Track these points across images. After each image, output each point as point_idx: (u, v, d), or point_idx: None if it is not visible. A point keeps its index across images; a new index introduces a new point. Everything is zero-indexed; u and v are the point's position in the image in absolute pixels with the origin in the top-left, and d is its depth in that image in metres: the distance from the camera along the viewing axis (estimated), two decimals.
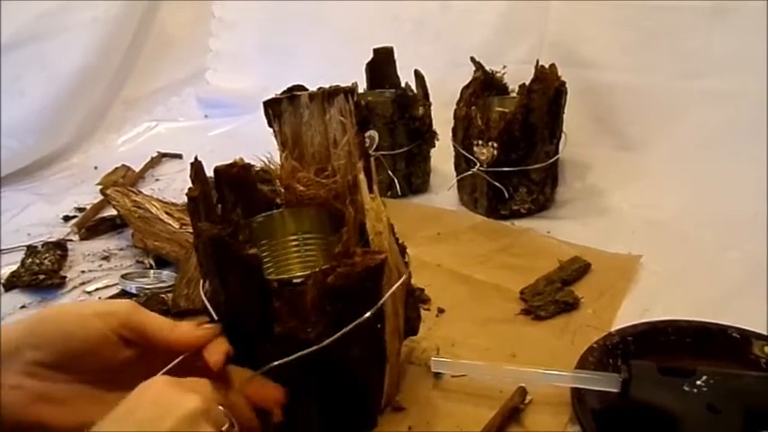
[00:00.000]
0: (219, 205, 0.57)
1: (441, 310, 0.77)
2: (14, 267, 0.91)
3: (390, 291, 0.55)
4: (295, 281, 0.52)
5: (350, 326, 0.51)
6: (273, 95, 0.62)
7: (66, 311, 0.47)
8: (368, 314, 0.52)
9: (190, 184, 0.55)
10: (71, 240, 1.02)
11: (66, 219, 1.11)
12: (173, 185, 1.24)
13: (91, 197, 1.16)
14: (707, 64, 1.07)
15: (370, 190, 0.57)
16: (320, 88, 0.62)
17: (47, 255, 0.94)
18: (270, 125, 0.62)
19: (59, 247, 0.97)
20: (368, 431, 0.59)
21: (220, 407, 0.44)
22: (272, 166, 0.60)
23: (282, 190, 0.61)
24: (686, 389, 0.55)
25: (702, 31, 1.07)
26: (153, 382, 0.42)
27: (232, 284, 0.50)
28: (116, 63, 1.46)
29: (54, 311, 0.47)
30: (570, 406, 0.60)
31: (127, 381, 0.43)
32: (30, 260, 0.93)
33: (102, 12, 1.37)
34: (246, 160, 0.60)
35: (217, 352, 0.47)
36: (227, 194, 0.58)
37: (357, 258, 0.52)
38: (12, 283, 0.88)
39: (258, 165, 0.61)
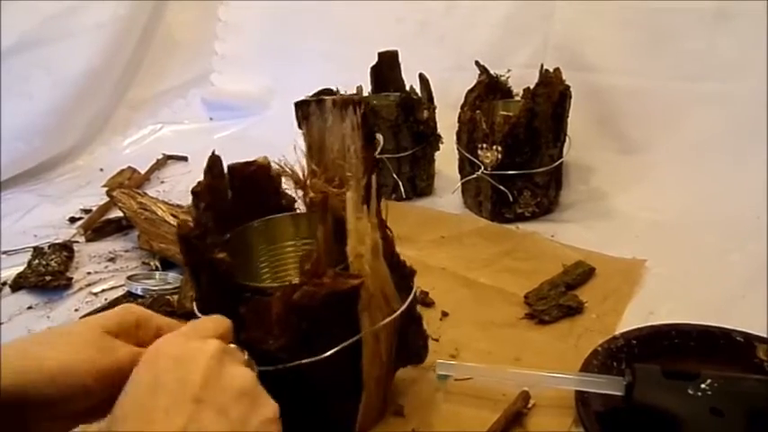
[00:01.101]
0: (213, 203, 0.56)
1: (444, 314, 0.77)
2: (21, 269, 0.92)
3: (383, 322, 0.53)
4: (269, 290, 0.51)
5: (310, 359, 0.50)
6: (304, 97, 0.62)
7: (43, 358, 0.42)
8: (329, 353, 0.50)
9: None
10: (77, 242, 1.02)
11: (73, 220, 1.12)
12: (178, 187, 1.24)
13: (97, 199, 1.17)
14: (710, 66, 1.07)
15: (375, 204, 0.55)
16: (339, 95, 0.61)
17: (53, 256, 0.94)
18: (299, 126, 0.61)
19: (66, 248, 0.98)
20: None
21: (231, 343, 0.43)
22: (287, 169, 0.59)
23: (300, 193, 0.59)
24: (690, 392, 0.55)
25: (705, 34, 1.07)
26: (162, 341, 0.40)
27: (203, 285, 0.51)
28: (122, 66, 1.47)
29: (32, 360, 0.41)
30: (573, 409, 0.60)
31: None
32: (36, 261, 0.93)
33: (107, 15, 1.37)
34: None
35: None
36: (240, 193, 0.58)
37: (326, 279, 0.50)
38: (19, 284, 0.89)
39: (276, 165, 0.60)
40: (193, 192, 0.55)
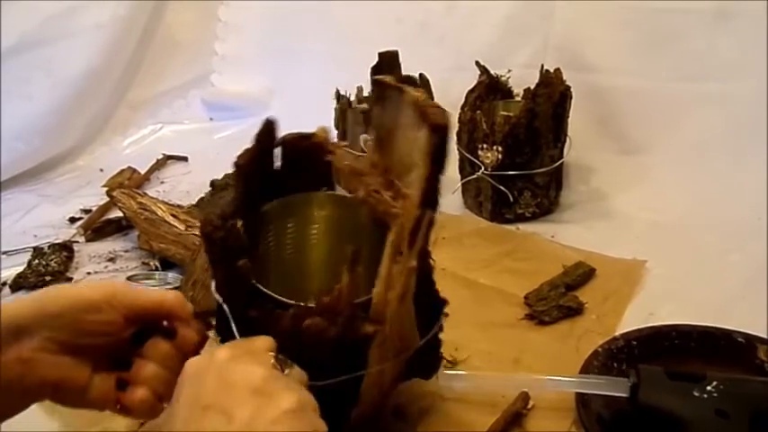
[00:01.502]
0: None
1: (444, 314, 0.77)
2: (21, 269, 0.92)
3: (394, 360, 0.51)
4: (284, 303, 0.49)
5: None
6: (386, 78, 0.55)
7: (65, 288, 0.52)
8: (327, 382, 0.48)
9: (195, 187, 0.54)
10: (77, 242, 1.02)
11: (73, 220, 1.11)
12: (178, 188, 1.24)
13: (97, 199, 1.16)
14: (710, 67, 1.07)
15: (421, 244, 0.50)
16: (411, 80, 0.56)
17: (53, 256, 0.94)
18: (375, 103, 0.56)
19: (65, 248, 0.98)
20: None
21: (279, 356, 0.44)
22: (346, 151, 0.57)
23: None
24: (696, 394, 0.55)
25: (706, 34, 1.07)
26: (189, 361, 0.42)
27: (220, 279, 0.51)
28: (122, 66, 1.47)
29: (55, 289, 0.50)
30: (573, 411, 0.60)
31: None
32: (36, 261, 0.93)
33: (107, 15, 1.37)
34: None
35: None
36: (291, 165, 0.55)
37: (341, 319, 0.47)
38: (18, 284, 0.89)
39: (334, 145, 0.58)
40: (236, 163, 0.52)
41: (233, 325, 0.50)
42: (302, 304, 0.49)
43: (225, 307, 0.51)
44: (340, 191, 0.61)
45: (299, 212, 0.61)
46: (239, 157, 0.53)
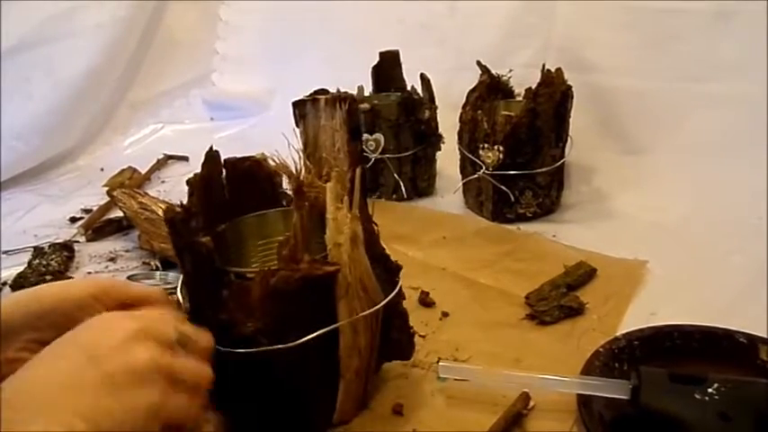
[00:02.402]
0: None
1: (445, 314, 0.77)
2: (21, 268, 0.92)
3: (362, 314, 0.54)
4: (249, 275, 0.53)
5: (286, 345, 0.51)
6: (302, 97, 0.64)
7: (50, 286, 0.50)
8: (303, 339, 0.52)
9: None
10: (77, 242, 1.02)
11: (73, 220, 1.11)
12: (178, 187, 1.24)
13: (97, 199, 1.16)
14: (711, 67, 1.07)
15: (358, 197, 0.56)
16: (328, 93, 0.64)
17: (53, 256, 0.94)
18: (296, 125, 0.64)
19: (66, 248, 0.97)
20: None
21: (172, 326, 0.46)
22: (281, 164, 0.61)
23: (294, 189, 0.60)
24: (698, 396, 0.54)
25: (707, 35, 1.07)
26: (106, 313, 0.45)
27: (188, 268, 0.53)
28: (123, 65, 1.47)
29: (40, 289, 0.50)
30: (573, 411, 0.60)
31: None
32: (36, 261, 0.93)
33: (108, 15, 1.37)
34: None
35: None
36: (235, 187, 0.60)
37: (302, 265, 0.51)
38: (19, 284, 0.89)
39: (272, 161, 0.63)
40: (188, 182, 0.57)
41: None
42: (266, 268, 0.52)
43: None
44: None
45: (255, 232, 0.64)
46: (191, 177, 0.58)
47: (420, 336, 0.70)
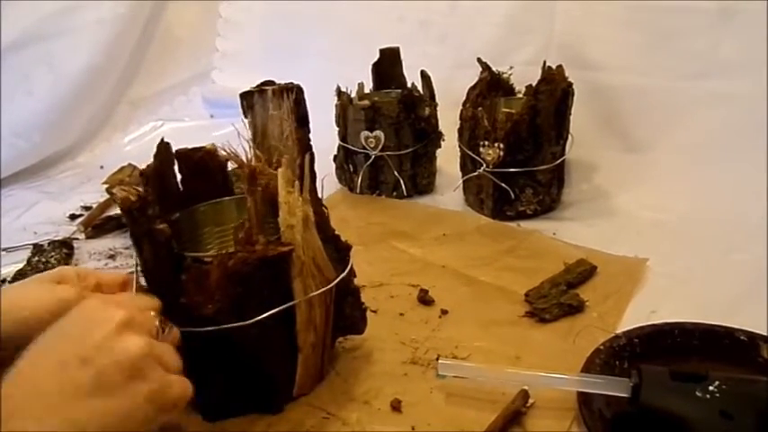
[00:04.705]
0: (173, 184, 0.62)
1: (444, 312, 0.77)
2: (21, 266, 0.92)
3: (317, 291, 0.58)
4: (206, 259, 0.55)
5: (245, 322, 0.55)
6: (249, 88, 0.66)
7: (13, 304, 0.49)
8: (262, 316, 0.55)
9: None
10: (77, 239, 1.02)
11: (73, 217, 1.11)
12: None
13: (97, 196, 1.16)
14: (713, 65, 1.07)
15: (308, 182, 0.60)
16: (276, 84, 0.67)
17: (53, 253, 0.94)
18: (244, 116, 0.66)
19: (65, 245, 0.97)
20: (272, 415, 0.61)
21: (151, 312, 0.48)
22: (232, 155, 0.63)
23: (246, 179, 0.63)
24: (698, 394, 0.54)
25: (708, 33, 1.07)
26: (87, 300, 0.46)
27: (146, 255, 0.55)
28: (122, 63, 1.47)
29: (4, 307, 0.49)
30: (573, 409, 0.60)
31: None
32: (36, 258, 0.93)
33: (108, 12, 1.37)
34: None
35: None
36: (188, 178, 0.63)
37: (258, 247, 0.54)
38: (18, 281, 0.88)
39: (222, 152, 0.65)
40: (141, 173, 0.59)
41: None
42: (224, 251, 0.55)
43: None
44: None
45: (210, 219, 0.66)
46: (144, 167, 0.60)
47: (371, 311, 0.74)
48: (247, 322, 0.55)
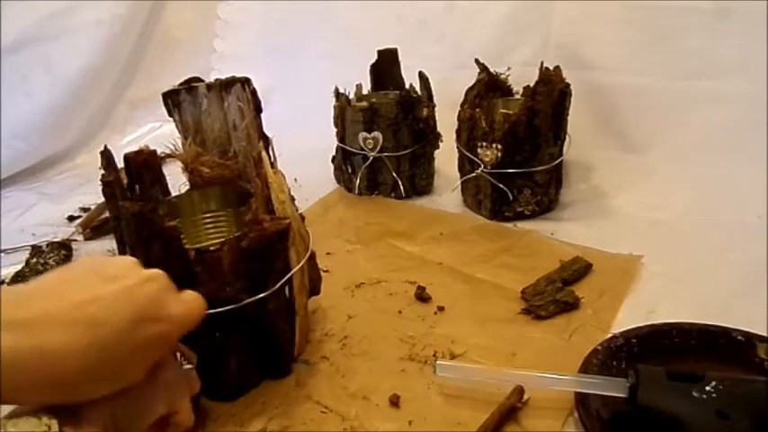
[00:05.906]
0: (137, 186, 0.64)
1: (440, 308, 0.77)
2: (19, 267, 0.92)
3: (306, 256, 0.64)
4: (211, 248, 0.59)
5: (264, 294, 0.59)
6: (173, 87, 0.69)
7: None
8: (277, 286, 0.61)
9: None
10: (76, 240, 1.02)
11: (71, 219, 1.11)
12: (177, 186, 1.24)
13: (96, 197, 1.16)
14: (711, 65, 1.07)
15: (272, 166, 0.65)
16: (216, 79, 0.69)
17: (51, 255, 0.94)
18: (170, 115, 0.69)
19: (64, 247, 0.97)
20: (282, 377, 0.66)
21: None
22: (176, 153, 0.67)
23: (187, 174, 0.68)
24: (695, 394, 0.54)
25: (706, 32, 1.07)
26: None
27: (155, 255, 0.56)
28: (121, 64, 1.47)
29: None
30: (569, 407, 0.60)
31: None
32: (34, 260, 0.93)
33: (106, 13, 1.37)
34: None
35: None
36: (144, 177, 0.65)
37: (266, 224, 0.59)
38: (17, 282, 0.89)
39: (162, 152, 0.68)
40: (107, 183, 0.62)
41: None
42: (232, 236, 0.59)
43: None
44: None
45: (176, 213, 0.69)
46: (106, 177, 0.63)
47: (324, 271, 0.77)
48: (266, 293, 0.60)
